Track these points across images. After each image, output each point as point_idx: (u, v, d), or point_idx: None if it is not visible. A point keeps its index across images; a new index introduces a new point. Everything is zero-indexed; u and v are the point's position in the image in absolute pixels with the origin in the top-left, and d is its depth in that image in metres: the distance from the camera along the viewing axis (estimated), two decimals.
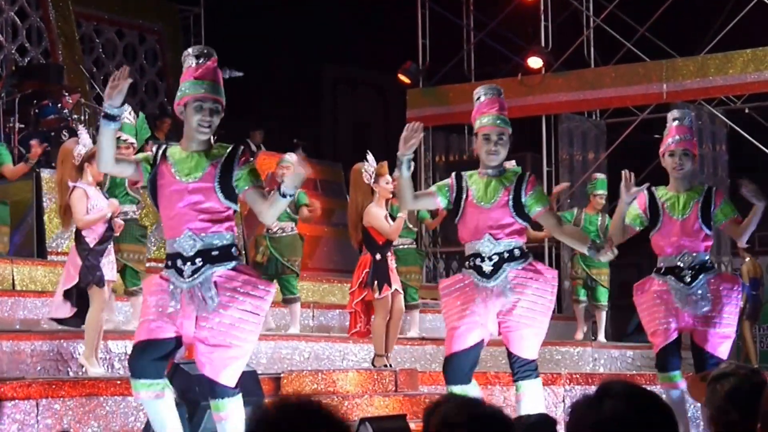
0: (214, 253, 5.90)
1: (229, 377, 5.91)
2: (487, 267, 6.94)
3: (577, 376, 11.04)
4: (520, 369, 7.00)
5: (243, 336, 5.90)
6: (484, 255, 6.96)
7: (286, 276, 11.86)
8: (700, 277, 7.77)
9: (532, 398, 6.95)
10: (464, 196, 7.08)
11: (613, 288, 14.34)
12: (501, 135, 7.08)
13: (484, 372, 10.36)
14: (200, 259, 5.89)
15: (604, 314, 13.78)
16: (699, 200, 7.80)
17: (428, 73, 17.88)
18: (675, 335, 7.81)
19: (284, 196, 5.87)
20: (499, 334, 7.04)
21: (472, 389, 7.04)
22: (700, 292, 7.74)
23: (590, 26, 17.48)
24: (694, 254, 7.79)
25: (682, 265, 7.78)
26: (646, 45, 16.55)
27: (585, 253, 7.19)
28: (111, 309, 10.16)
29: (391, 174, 9.75)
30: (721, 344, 7.73)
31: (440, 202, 7.14)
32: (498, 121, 7.09)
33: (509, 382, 10.59)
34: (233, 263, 5.94)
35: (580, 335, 13.94)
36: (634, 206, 7.81)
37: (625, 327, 16.48)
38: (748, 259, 15.98)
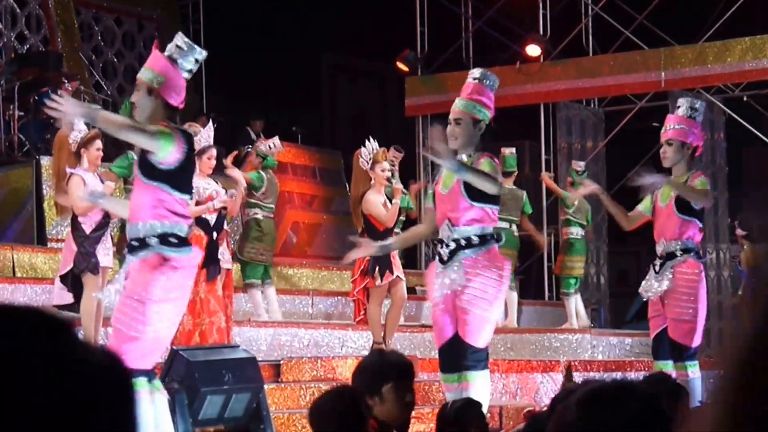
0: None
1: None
2: (444, 253, 6.88)
3: (576, 363, 11.06)
4: (468, 357, 6.81)
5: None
6: (444, 241, 6.90)
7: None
8: (666, 264, 7.77)
9: (477, 390, 6.66)
10: (435, 182, 7.13)
11: (612, 276, 14.33)
12: (457, 119, 7.04)
13: None
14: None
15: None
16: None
17: (426, 61, 17.86)
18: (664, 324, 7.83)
19: None
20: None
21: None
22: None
23: (588, 14, 17.46)
24: (667, 242, 7.77)
25: (658, 253, 7.82)
26: (644, 33, 16.54)
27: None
28: None
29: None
30: None
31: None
32: (459, 104, 7.06)
33: (507, 369, 10.65)
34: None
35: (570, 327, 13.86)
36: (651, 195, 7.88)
37: (624, 314, 16.50)
38: (746, 246, 15.95)
